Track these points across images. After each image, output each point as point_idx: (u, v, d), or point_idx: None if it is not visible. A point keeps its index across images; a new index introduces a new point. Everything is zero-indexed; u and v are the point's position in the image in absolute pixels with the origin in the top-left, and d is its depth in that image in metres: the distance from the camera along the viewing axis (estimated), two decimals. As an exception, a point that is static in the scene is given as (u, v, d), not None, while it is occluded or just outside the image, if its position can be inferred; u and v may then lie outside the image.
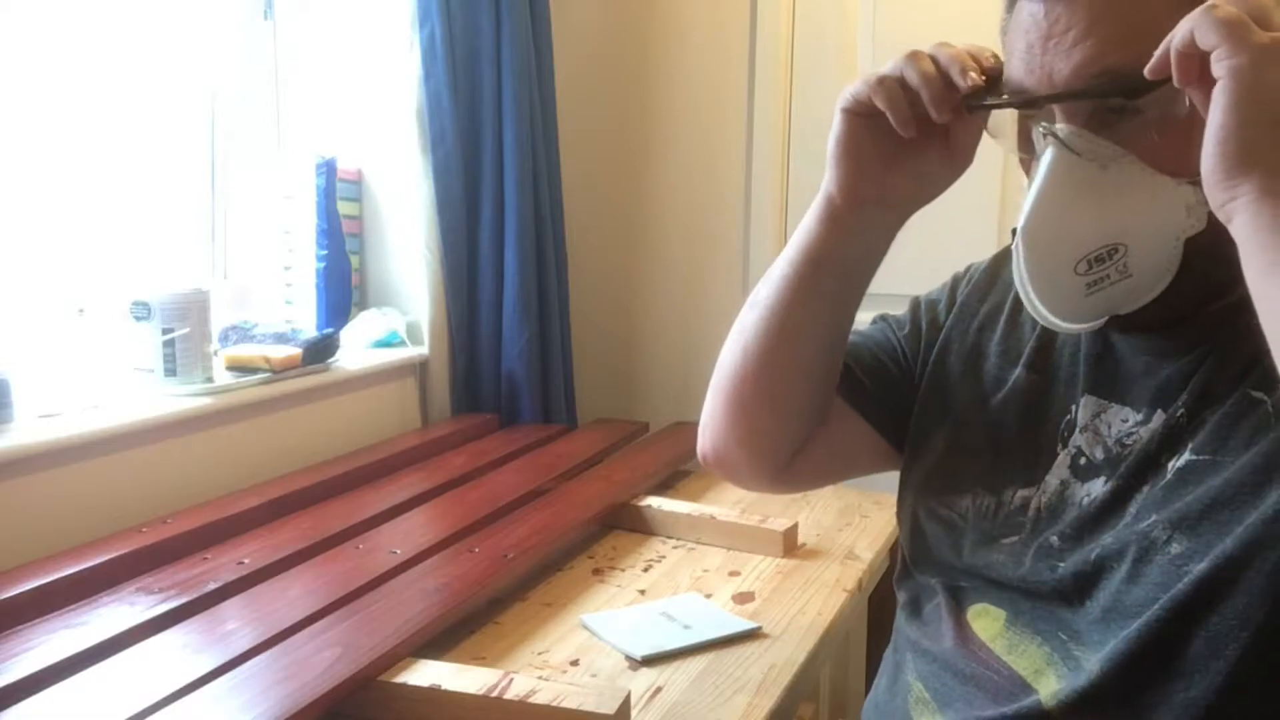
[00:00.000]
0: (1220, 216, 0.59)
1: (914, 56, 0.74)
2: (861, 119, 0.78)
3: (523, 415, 1.92)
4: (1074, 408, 0.78)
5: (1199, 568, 0.65)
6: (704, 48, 2.14)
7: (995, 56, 0.75)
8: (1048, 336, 0.82)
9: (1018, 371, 0.83)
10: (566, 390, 2.06)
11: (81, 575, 1.10)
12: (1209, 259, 0.65)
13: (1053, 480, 0.77)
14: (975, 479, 0.82)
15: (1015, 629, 0.75)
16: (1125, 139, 0.67)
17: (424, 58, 1.76)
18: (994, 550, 0.79)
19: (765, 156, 2.11)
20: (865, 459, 0.96)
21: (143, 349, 1.41)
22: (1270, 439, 0.65)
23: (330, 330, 1.70)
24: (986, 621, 0.78)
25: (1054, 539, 0.74)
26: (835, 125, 0.80)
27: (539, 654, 1.11)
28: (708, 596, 1.27)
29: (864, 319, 0.96)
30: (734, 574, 1.34)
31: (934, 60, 0.74)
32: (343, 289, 1.83)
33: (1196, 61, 0.59)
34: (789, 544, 1.42)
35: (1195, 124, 0.61)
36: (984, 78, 0.72)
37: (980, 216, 1.91)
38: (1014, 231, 0.71)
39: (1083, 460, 0.76)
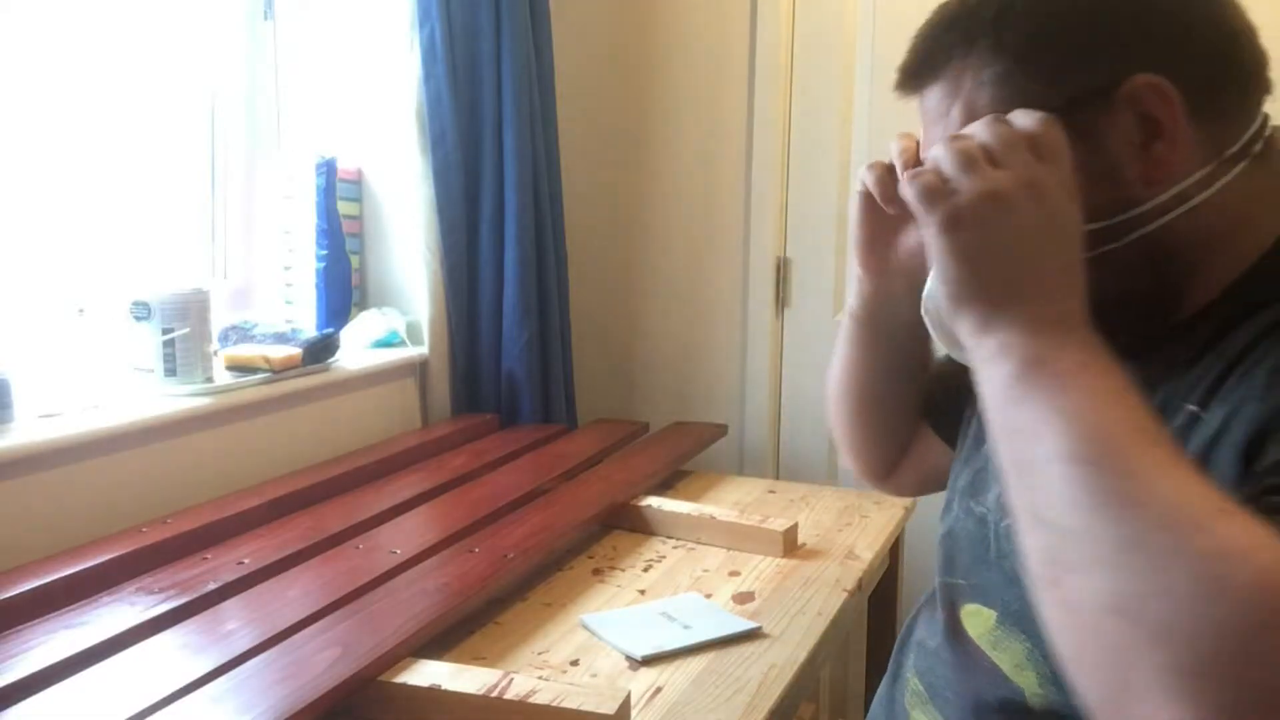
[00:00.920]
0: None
1: (896, 142, 0.82)
2: (866, 197, 0.87)
3: (523, 415, 1.92)
4: None
5: None
6: (704, 47, 2.14)
7: None
8: None
9: None
10: (566, 390, 2.06)
11: (81, 575, 1.10)
12: (1115, 298, 0.68)
13: None
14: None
15: (1003, 628, 0.76)
16: None
17: (424, 58, 1.76)
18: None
19: (765, 156, 2.11)
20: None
21: (143, 349, 1.41)
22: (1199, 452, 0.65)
23: (330, 330, 1.70)
24: (978, 620, 0.79)
25: None
26: (850, 207, 0.90)
27: (539, 654, 1.11)
28: (708, 596, 1.27)
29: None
30: (734, 574, 1.35)
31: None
32: (343, 289, 1.83)
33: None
34: (789, 544, 1.42)
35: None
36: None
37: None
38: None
39: None
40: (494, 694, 0.93)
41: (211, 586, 1.10)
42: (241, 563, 1.17)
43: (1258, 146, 0.69)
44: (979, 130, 0.65)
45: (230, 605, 1.08)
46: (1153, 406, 0.64)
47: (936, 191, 0.64)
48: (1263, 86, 0.70)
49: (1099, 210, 0.67)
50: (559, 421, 1.98)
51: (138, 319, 1.41)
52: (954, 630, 0.81)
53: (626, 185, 2.24)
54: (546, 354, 1.97)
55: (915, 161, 0.78)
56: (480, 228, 1.88)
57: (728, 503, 1.65)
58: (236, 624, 1.02)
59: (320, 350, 1.62)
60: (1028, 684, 0.73)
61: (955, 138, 0.65)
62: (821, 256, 2.12)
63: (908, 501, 1.70)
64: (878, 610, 1.70)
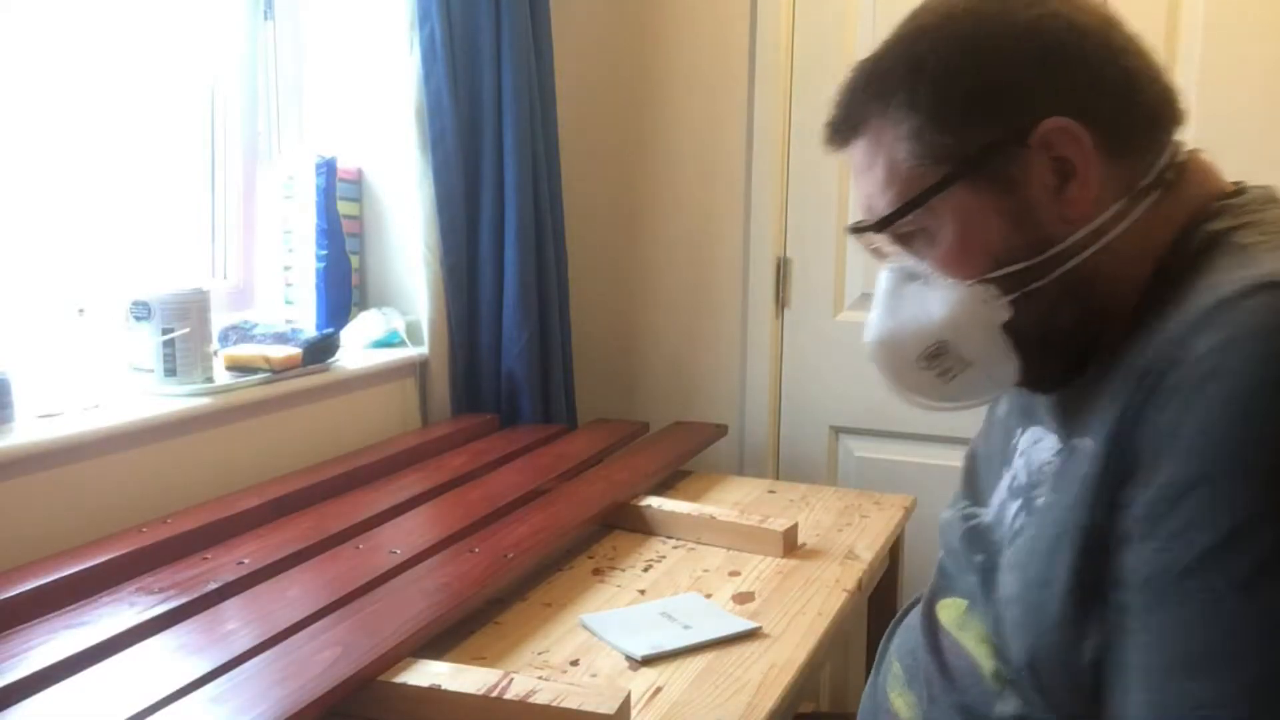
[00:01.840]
0: None
1: None
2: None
3: (523, 415, 1.92)
4: (1019, 433, 0.84)
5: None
6: (704, 47, 2.14)
7: None
8: None
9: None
10: (566, 390, 2.06)
11: (81, 575, 1.10)
12: (1045, 332, 0.73)
13: (995, 499, 0.83)
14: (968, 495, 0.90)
15: (971, 615, 0.80)
16: (921, 255, 0.76)
17: (424, 58, 1.76)
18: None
19: (765, 156, 2.11)
20: None
21: (143, 349, 1.41)
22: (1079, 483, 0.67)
23: (330, 330, 1.70)
24: (951, 611, 0.83)
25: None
26: None
27: (539, 654, 1.11)
28: (708, 596, 1.27)
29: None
30: (734, 574, 1.34)
31: None
32: (343, 289, 1.83)
33: None
34: (789, 544, 1.42)
35: (957, 236, 0.72)
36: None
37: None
38: None
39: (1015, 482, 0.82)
40: (494, 694, 0.93)
41: (211, 586, 1.10)
42: (241, 563, 1.17)
43: (1169, 175, 0.72)
44: None
45: (230, 605, 1.08)
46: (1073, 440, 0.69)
47: None
48: (1171, 119, 0.73)
49: (1022, 251, 0.71)
50: (559, 421, 1.98)
51: (138, 319, 1.41)
52: (929, 617, 0.86)
53: (626, 185, 2.24)
54: (546, 354, 1.97)
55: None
56: (480, 228, 1.88)
57: (728, 503, 1.65)
58: (236, 624, 1.02)
59: (320, 350, 1.62)
60: (987, 665, 0.76)
61: None
62: (821, 256, 2.12)
63: (907, 501, 1.70)
64: (878, 610, 1.70)
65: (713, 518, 1.47)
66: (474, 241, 1.89)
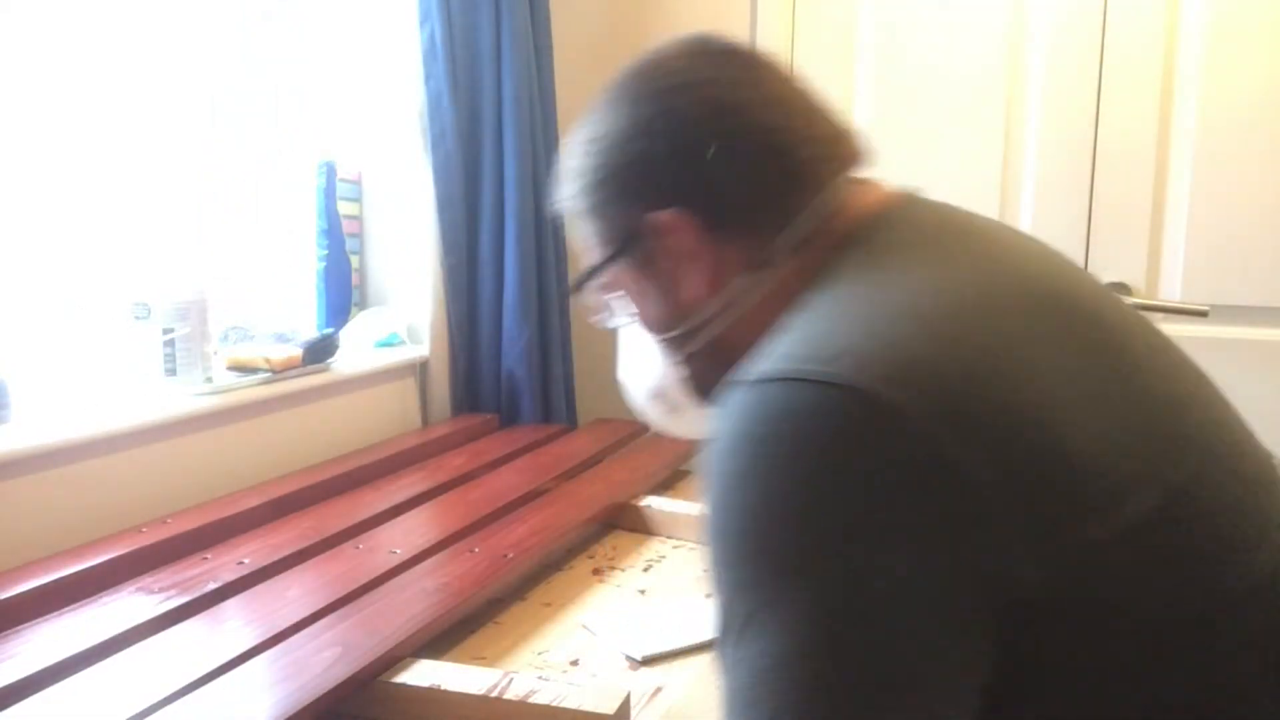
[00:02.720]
0: None
1: None
2: None
3: (523, 415, 1.92)
4: None
5: None
6: (704, 48, 2.14)
7: None
8: None
9: None
10: (566, 390, 2.06)
11: (81, 575, 1.10)
12: (716, 384, 0.75)
13: None
14: None
15: None
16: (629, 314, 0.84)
17: (424, 58, 1.76)
18: None
19: (765, 156, 2.10)
20: None
21: (143, 349, 1.41)
22: None
23: (330, 330, 1.70)
24: None
25: None
26: None
27: (539, 654, 1.11)
28: (708, 596, 1.26)
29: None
30: (734, 574, 1.34)
31: None
32: (343, 289, 1.83)
33: None
34: (789, 544, 1.42)
35: (635, 301, 0.80)
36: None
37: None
38: None
39: None
40: (494, 694, 0.93)
41: (211, 586, 1.10)
42: (241, 563, 1.17)
43: (814, 228, 0.74)
44: None
45: (230, 605, 1.08)
46: None
47: None
48: (817, 181, 0.75)
49: (672, 319, 0.78)
50: (559, 421, 1.98)
51: (138, 319, 1.41)
52: None
53: (626, 185, 2.24)
54: (546, 354, 1.97)
55: None
56: (480, 228, 1.88)
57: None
58: (236, 624, 1.02)
59: (320, 350, 1.62)
60: None
61: None
62: (821, 256, 2.12)
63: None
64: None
65: (713, 518, 1.47)
66: (474, 241, 1.89)
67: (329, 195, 1.79)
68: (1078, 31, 1.95)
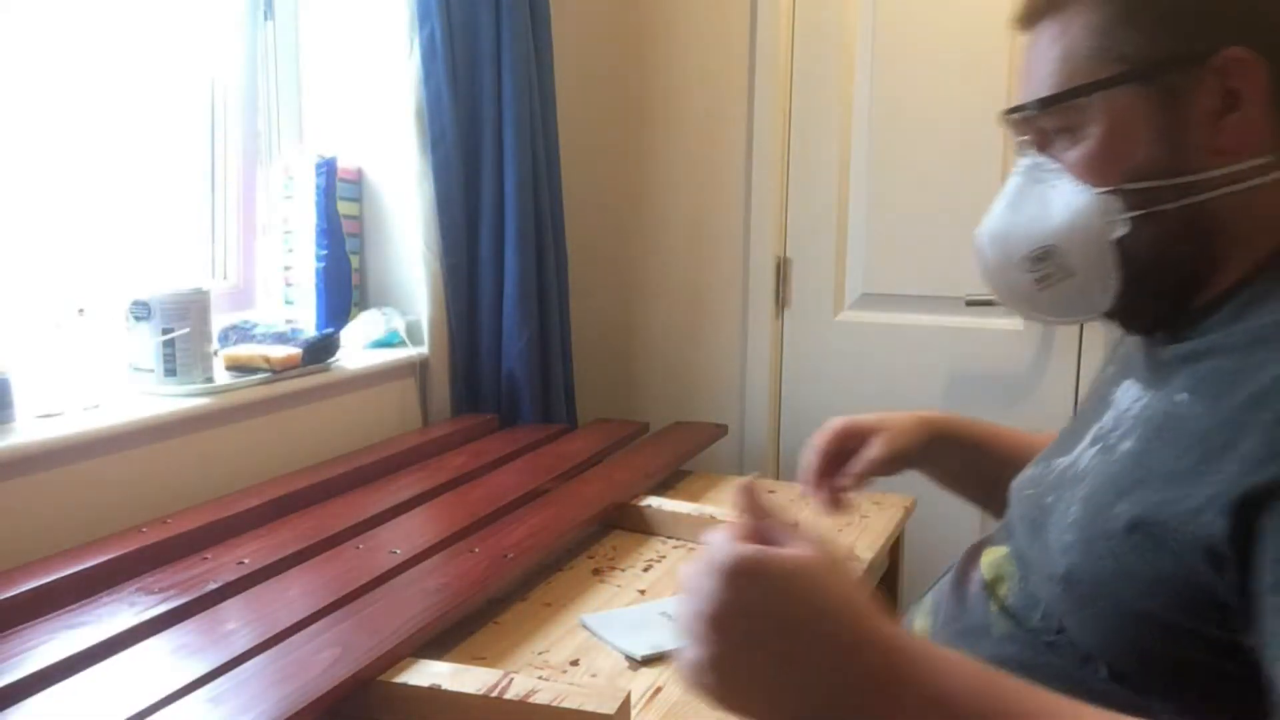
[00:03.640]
0: None
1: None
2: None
3: (523, 415, 1.92)
4: (1116, 390, 0.83)
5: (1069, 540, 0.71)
6: (704, 48, 2.14)
7: None
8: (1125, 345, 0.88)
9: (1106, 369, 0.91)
10: (566, 390, 2.06)
11: (81, 575, 1.10)
12: (1155, 260, 0.73)
13: (1079, 447, 0.81)
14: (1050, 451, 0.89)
15: (1007, 560, 0.81)
16: (1060, 157, 0.77)
17: (424, 58, 1.76)
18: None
19: (765, 156, 2.11)
20: None
21: (143, 349, 1.41)
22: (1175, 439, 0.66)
23: (330, 330, 1.70)
24: (992, 555, 0.84)
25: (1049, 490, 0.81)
26: None
27: (539, 654, 1.11)
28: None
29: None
30: (734, 574, 1.34)
31: None
32: (343, 289, 1.83)
33: None
34: (789, 544, 1.42)
35: (1104, 138, 0.72)
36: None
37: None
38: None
39: (1101, 429, 0.80)
40: (494, 694, 0.93)
41: (211, 586, 1.10)
42: (241, 563, 1.17)
43: None
44: (697, 593, 0.58)
45: (230, 605, 1.08)
46: (1160, 367, 0.70)
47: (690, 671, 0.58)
48: None
49: (1160, 168, 0.71)
50: (559, 421, 1.98)
51: (138, 319, 1.41)
52: (967, 559, 0.87)
53: (626, 185, 2.24)
54: (546, 354, 1.97)
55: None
56: (480, 228, 1.88)
57: (728, 503, 1.64)
58: (236, 624, 1.02)
59: (320, 350, 1.62)
60: (1000, 593, 0.78)
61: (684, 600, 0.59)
62: (821, 256, 2.12)
63: (907, 501, 1.70)
64: (878, 610, 1.70)
65: (713, 518, 1.47)
66: (474, 241, 1.89)
67: (328, 195, 1.79)
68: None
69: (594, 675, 1.06)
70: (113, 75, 1.57)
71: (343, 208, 1.83)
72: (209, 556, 1.20)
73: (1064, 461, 0.81)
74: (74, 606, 1.04)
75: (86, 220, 1.55)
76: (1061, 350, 1.97)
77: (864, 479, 1.05)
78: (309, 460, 1.58)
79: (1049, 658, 0.70)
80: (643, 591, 1.29)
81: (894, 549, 1.65)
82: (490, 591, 1.20)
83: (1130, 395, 0.77)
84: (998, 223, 0.80)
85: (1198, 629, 0.61)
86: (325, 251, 1.79)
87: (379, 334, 1.82)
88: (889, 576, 1.67)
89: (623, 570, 1.36)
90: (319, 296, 1.80)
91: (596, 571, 1.35)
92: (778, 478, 2.12)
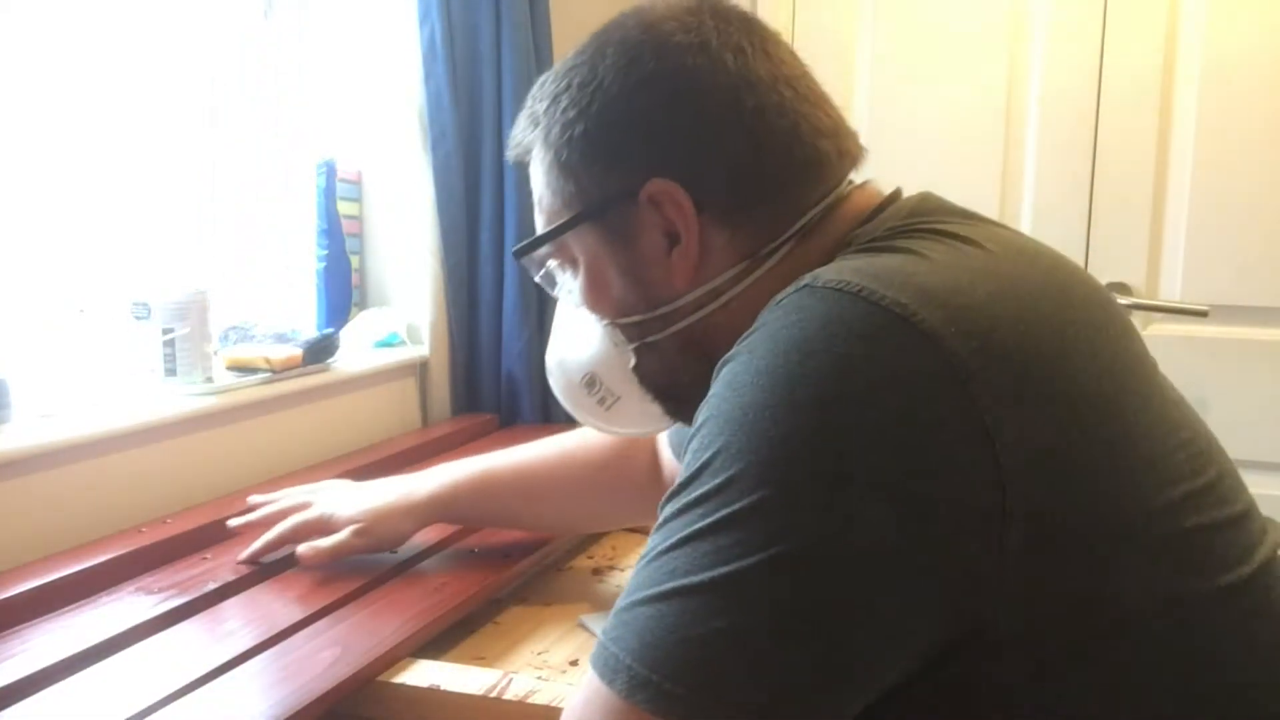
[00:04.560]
0: None
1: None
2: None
3: (523, 415, 1.92)
4: None
5: None
6: (704, 48, 2.14)
7: None
8: None
9: None
10: (566, 390, 2.06)
11: (81, 575, 1.10)
12: (671, 382, 0.76)
13: None
14: None
15: None
16: (570, 289, 0.78)
17: (424, 58, 1.76)
18: None
19: (765, 156, 2.10)
20: None
21: (143, 349, 1.41)
22: None
23: (330, 330, 1.70)
24: None
25: None
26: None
27: (539, 654, 1.11)
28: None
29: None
30: (734, 574, 1.34)
31: None
32: (343, 289, 1.84)
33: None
34: (789, 544, 1.42)
35: (585, 276, 0.74)
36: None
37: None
38: None
39: None
40: (494, 694, 0.93)
41: (211, 586, 1.10)
42: (241, 563, 1.17)
43: (809, 226, 0.69)
44: None
45: (230, 605, 1.08)
46: None
47: None
48: (818, 177, 0.70)
49: (637, 304, 0.72)
50: (559, 421, 1.98)
51: (138, 319, 1.41)
52: None
53: (626, 185, 2.24)
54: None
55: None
56: (480, 228, 1.88)
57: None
58: (236, 624, 1.02)
59: (320, 350, 1.62)
60: None
61: None
62: (821, 256, 2.12)
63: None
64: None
65: (713, 518, 1.47)
66: (474, 241, 1.89)
67: (329, 195, 1.79)
68: (1078, 31, 1.95)
69: (594, 675, 1.06)
70: (112, 75, 1.57)
71: (343, 208, 1.83)
72: (209, 556, 1.20)
73: None
74: (73, 606, 1.04)
75: (86, 220, 1.55)
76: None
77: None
78: (309, 460, 1.58)
79: None
80: (643, 591, 1.28)
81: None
82: (490, 591, 1.20)
83: None
84: (553, 350, 0.85)
85: None
86: (325, 252, 1.79)
87: (379, 334, 1.82)
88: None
89: (623, 570, 1.36)
90: (319, 296, 1.80)
91: (596, 571, 1.35)
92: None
